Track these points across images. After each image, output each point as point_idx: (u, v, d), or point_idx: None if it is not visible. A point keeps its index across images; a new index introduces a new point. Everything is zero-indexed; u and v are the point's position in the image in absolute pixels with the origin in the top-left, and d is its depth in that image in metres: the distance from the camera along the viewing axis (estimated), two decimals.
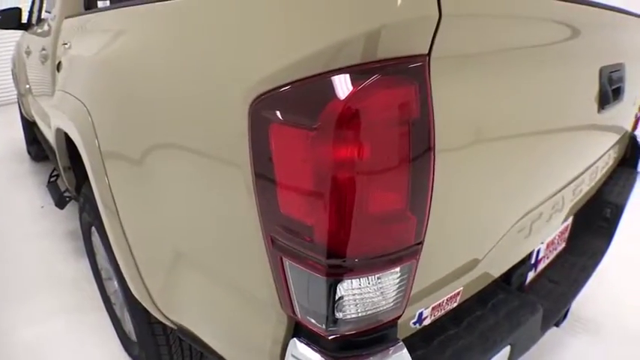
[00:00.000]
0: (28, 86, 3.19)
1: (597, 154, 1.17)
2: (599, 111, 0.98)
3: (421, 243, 0.57)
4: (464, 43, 0.54)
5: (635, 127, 1.65)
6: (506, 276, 1.00)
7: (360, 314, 0.57)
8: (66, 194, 2.31)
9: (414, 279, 0.59)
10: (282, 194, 0.53)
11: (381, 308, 0.58)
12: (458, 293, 0.79)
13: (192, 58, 0.67)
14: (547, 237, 1.11)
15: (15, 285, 2.15)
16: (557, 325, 1.24)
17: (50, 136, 2.14)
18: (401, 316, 0.61)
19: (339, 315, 0.56)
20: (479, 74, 0.58)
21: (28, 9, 3.27)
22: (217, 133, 0.62)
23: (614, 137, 1.31)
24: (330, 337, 0.58)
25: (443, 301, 0.76)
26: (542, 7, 0.68)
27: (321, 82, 0.48)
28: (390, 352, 0.59)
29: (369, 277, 0.55)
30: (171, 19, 0.75)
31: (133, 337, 1.51)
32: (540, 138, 0.79)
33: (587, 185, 1.22)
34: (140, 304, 1.10)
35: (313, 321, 0.58)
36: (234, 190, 0.61)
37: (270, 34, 0.54)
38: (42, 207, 3.12)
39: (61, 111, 1.44)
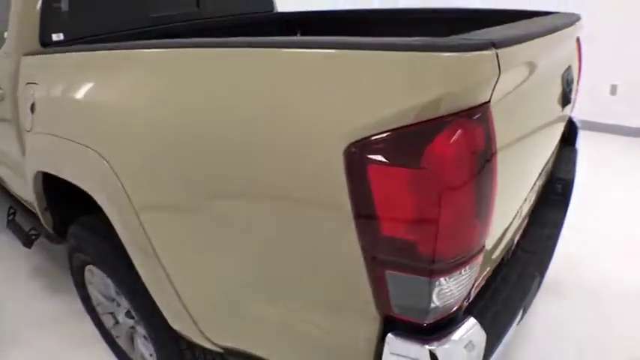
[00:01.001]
0: None
1: (556, 141, 1.45)
2: (562, 109, 1.24)
3: (484, 245, 0.76)
4: (507, 85, 0.73)
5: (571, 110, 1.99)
6: None
7: (446, 303, 0.75)
8: (32, 232, 2.24)
9: (478, 271, 0.78)
10: (384, 220, 0.68)
11: (460, 296, 0.76)
12: (486, 273, 1.00)
13: (276, 106, 0.77)
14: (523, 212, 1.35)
15: (2, 330, 2.08)
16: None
17: (13, 177, 2.07)
18: (468, 298, 0.80)
19: (432, 305, 0.73)
20: (511, 105, 0.78)
21: None
22: (303, 177, 0.75)
23: (566, 118, 1.60)
24: (424, 324, 0.75)
25: (480, 281, 0.96)
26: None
27: (417, 130, 0.64)
28: (467, 323, 0.79)
29: (454, 274, 0.73)
30: (250, 67, 0.82)
31: None
32: (535, 140, 1.01)
33: (548, 166, 1.50)
34: (168, 334, 1.21)
35: (410, 314, 0.75)
36: (324, 223, 0.75)
37: (367, 91, 0.68)
38: None
39: (49, 154, 1.44)
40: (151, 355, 1.53)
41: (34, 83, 1.54)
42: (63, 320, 2.14)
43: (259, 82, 0.80)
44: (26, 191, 2.05)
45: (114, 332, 1.74)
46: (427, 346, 0.76)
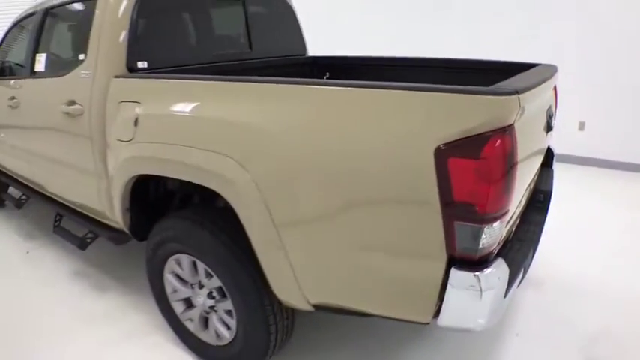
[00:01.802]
0: (1, 135, 3.35)
1: (542, 156, 2.06)
2: (546, 135, 1.85)
3: (508, 210, 1.31)
4: (522, 115, 1.30)
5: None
6: None
7: (486, 245, 1.29)
8: (88, 236, 2.62)
9: (503, 228, 1.33)
10: (456, 191, 1.23)
11: (493, 242, 1.31)
12: (503, 238, 1.55)
13: (389, 129, 1.31)
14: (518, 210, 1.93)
15: (47, 330, 2.42)
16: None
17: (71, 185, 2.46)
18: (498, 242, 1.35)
19: (480, 246, 1.27)
20: (522, 126, 1.35)
21: None
22: (408, 172, 1.28)
23: (547, 145, 2.23)
24: (476, 258, 1.29)
25: (501, 242, 1.50)
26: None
27: (477, 138, 1.20)
28: (499, 260, 1.35)
29: (492, 226, 1.27)
30: (372, 102, 1.35)
31: (214, 341, 2.02)
32: (533, 149, 1.60)
33: (534, 180, 2.11)
34: (259, 303, 1.73)
35: (467, 252, 1.28)
36: (418, 194, 1.28)
37: (447, 115, 1.23)
38: (27, 252, 3.35)
39: (158, 160, 1.88)
40: (228, 328, 1.95)
41: (136, 102, 1.99)
42: (113, 315, 2.53)
43: (378, 113, 1.34)
44: (89, 197, 2.46)
45: (183, 316, 2.13)
46: (474, 274, 1.29)
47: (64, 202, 2.84)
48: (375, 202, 1.37)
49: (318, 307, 1.63)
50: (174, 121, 1.83)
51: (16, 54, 3.34)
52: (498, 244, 1.42)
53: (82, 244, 2.67)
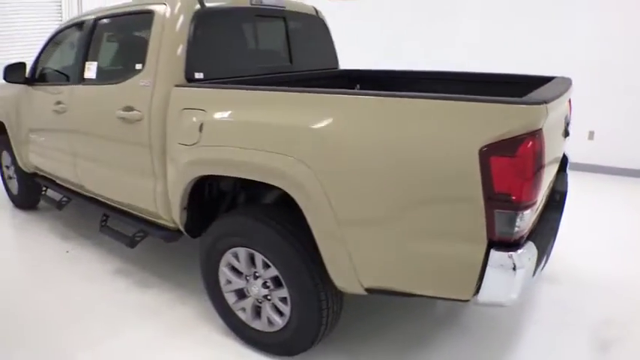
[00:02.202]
0: (42, 139, 3.63)
1: (560, 157, 2.37)
2: (564, 139, 2.16)
3: (537, 200, 1.62)
4: (548, 120, 1.61)
5: None
6: None
7: (519, 229, 1.59)
8: (138, 234, 2.88)
9: (533, 215, 1.64)
10: (496, 183, 1.53)
11: (525, 227, 1.61)
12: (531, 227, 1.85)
13: (442, 135, 1.61)
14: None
15: (98, 323, 2.65)
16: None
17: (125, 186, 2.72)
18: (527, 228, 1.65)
19: (515, 230, 1.57)
20: (548, 130, 1.66)
21: (31, 65, 3.73)
22: (457, 170, 1.57)
23: (563, 150, 2.55)
24: (512, 240, 1.58)
25: (529, 229, 1.80)
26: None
27: (513, 139, 1.50)
28: (529, 243, 1.66)
29: (525, 213, 1.57)
30: (428, 110, 1.66)
31: (265, 328, 2.28)
32: (554, 149, 1.92)
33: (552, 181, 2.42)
34: (314, 289, 2.00)
35: (505, 235, 1.58)
36: (464, 188, 1.58)
37: (490, 120, 1.53)
38: (67, 252, 3.59)
39: (223, 161, 2.17)
40: (281, 315, 2.20)
41: (200, 109, 2.27)
42: (161, 309, 2.77)
43: (431, 119, 1.64)
44: (143, 198, 2.71)
45: (236, 307, 2.37)
46: (510, 254, 1.59)
47: (112, 203, 3.11)
48: (427, 197, 1.67)
49: (370, 291, 1.91)
50: (243, 126, 2.11)
51: (60, 61, 3.65)
52: (528, 230, 1.72)
53: (132, 243, 2.93)
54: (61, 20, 7.22)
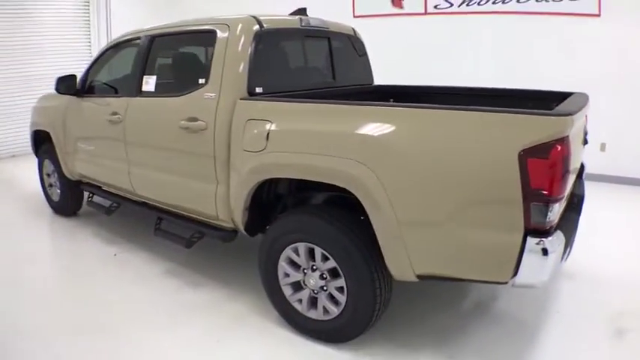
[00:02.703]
0: (92, 148, 4.04)
1: (580, 162, 2.79)
2: (583, 147, 2.58)
3: (564, 195, 2.02)
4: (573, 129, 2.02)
5: None
6: None
7: (550, 220, 1.99)
8: (195, 236, 3.26)
9: (560, 209, 2.04)
10: (532, 181, 1.93)
11: (554, 218, 2.01)
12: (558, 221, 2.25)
13: (486, 142, 2.02)
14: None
15: (153, 320, 2.97)
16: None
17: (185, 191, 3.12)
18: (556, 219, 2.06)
19: (547, 220, 1.97)
20: (572, 137, 2.07)
21: (81, 78, 4.15)
22: (502, 171, 1.98)
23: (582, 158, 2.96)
24: (546, 228, 1.99)
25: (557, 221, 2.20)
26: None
27: (546, 144, 1.90)
28: (558, 232, 2.07)
29: (555, 205, 1.98)
30: (473, 121, 2.08)
31: (320, 317, 2.64)
32: (576, 153, 2.33)
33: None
34: (369, 279, 2.37)
35: (539, 224, 1.97)
36: (506, 187, 1.98)
37: (527, 130, 1.94)
38: (115, 255, 3.92)
39: (288, 165, 2.57)
40: (336, 304, 2.55)
41: (266, 120, 2.65)
42: (211, 306, 3.10)
43: (478, 129, 2.05)
44: (203, 201, 3.09)
45: (292, 298, 2.71)
46: (542, 239, 1.98)
47: (166, 207, 3.47)
48: (475, 195, 2.07)
49: (421, 277, 2.30)
50: (309, 134, 2.51)
51: (112, 75, 4.07)
52: (556, 221, 2.12)
53: (189, 244, 3.28)
54: (89, 35, 7.70)
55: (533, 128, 1.95)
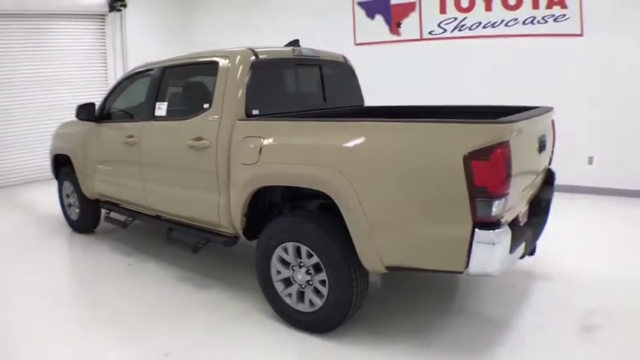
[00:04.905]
0: (109, 168, 4.56)
1: (539, 172, 3.18)
2: (539, 153, 2.98)
3: (509, 193, 2.43)
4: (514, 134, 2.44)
5: (549, 164, 3.75)
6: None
7: (497, 212, 2.39)
8: (200, 242, 3.73)
9: (506, 203, 2.44)
10: (476, 180, 2.34)
11: (500, 212, 2.41)
12: (508, 218, 2.64)
13: (428, 150, 2.49)
14: (522, 209, 3.02)
15: (165, 315, 3.46)
16: (532, 254, 3.17)
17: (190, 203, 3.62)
18: (502, 216, 2.45)
19: (493, 212, 2.38)
20: (515, 142, 2.48)
21: (100, 105, 4.71)
22: (450, 176, 2.40)
23: (543, 166, 3.35)
24: (493, 221, 2.39)
25: (507, 219, 2.60)
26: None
27: (488, 148, 2.33)
28: (505, 226, 2.47)
29: (499, 201, 2.38)
30: (425, 132, 2.56)
31: (307, 309, 3.04)
32: (526, 157, 2.75)
33: (534, 188, 3.22)
34: (346, 272, 2.78)
35: (485, 217, 2.38)
36: (455, 185, 2.39)
37: (471, 135, 2.37)
38: (130, 265, 4.41)
39: (277, 174, 3.04)
40: (320, 296, 2.95)
41: (259, 137, 3.14)
42: (216, 305, 3.57)
43: (429, 137, 2.51)
44: (207, 211, 3.56)
45: (283, 293, 3.14)
46: (489, 232, 2.38)
47: (176, 219, 3.97)
48: (430, 193, 2.50)
49: (389, 268, 2.71)
50: (295, 147, 3.01)
51: (128, 102, 4.61)
52: (506, 218, 2.52)
53: (195, 249, 3.76)
54: (105, 67, 8.39)
55: (476, 135, 2.38)
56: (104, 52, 8.60)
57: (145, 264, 4.42)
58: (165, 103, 4.02)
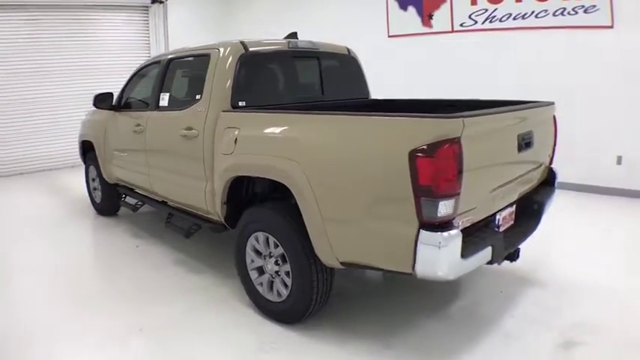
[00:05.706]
0: (124, 154, 4.82)
1: (523, 172, 3.03)
2: (518, 152, 2.84)
3: (459, 193, 2.33)
4: (469, 131, 2.33)
5: (550, 163, 3.55)
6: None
7: (443, 215, 2.30)
8: (193, 227, 3.88)
9: (457, 204, 2.35)
10: (421, 178, 2.27)
11: (447, 214, 2.32)
12: (469, 219, 2.54)
13: (375, 145, 2.44)
14: (502, 209, 2.89)
15: (163, 294, 3.66)
16: (512, 260, 3.03)
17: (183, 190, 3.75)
18: (454, 217, 2.36)
19: (438, 215, 2.29)
20: (475, 140, 2.38)
21: (118, 94, 4.97)
22: (394, 171, 2.34)
23: (532, 165, 3.18)
24: (437, 223, 2.31)
25: (465, 220, 2.50)
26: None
27: (434, 144, 2.25)
28: (455, 230, 2.35)
29: (447, 201, 2.30)
30: (369, 125, 2.52)
31: (275, 299, 3.10)
32: (495, 159, 2.63)
33: (522, 187, 3.06)
34: (307, 264, 2.79)
35: (431, 218, 2.30)
36: (399, 182, 2.34)
37: (418, 131, 2.30)
38: (137, 246, 4.68)
39: (248, 165, 3.11)
40: (286, 287, 3.00)
41: (236, 127, 3.22)
42: (207, 288, 3.74)
43: (375, 131, 2.47)
44: (197, 197, 3.69)
45: (256, 282, 3.22)
46: (435, 233, 2.29)
47: (175, 204, 4.15)
48: (376, 189, 2.46)
49: (344, 264, 2.69)
50: (260, 138, 3.07)
51: (141, 92, 4.83)
52: (463, 220, 2.44)
53: (187, 234, 3.95)
54: (149, 55, 8.79)
55: (423, 130, 2.31)
56: (147, 43, 9.01)
57: (151, 247, 4.69)
58: (168, 94, 4.18)
